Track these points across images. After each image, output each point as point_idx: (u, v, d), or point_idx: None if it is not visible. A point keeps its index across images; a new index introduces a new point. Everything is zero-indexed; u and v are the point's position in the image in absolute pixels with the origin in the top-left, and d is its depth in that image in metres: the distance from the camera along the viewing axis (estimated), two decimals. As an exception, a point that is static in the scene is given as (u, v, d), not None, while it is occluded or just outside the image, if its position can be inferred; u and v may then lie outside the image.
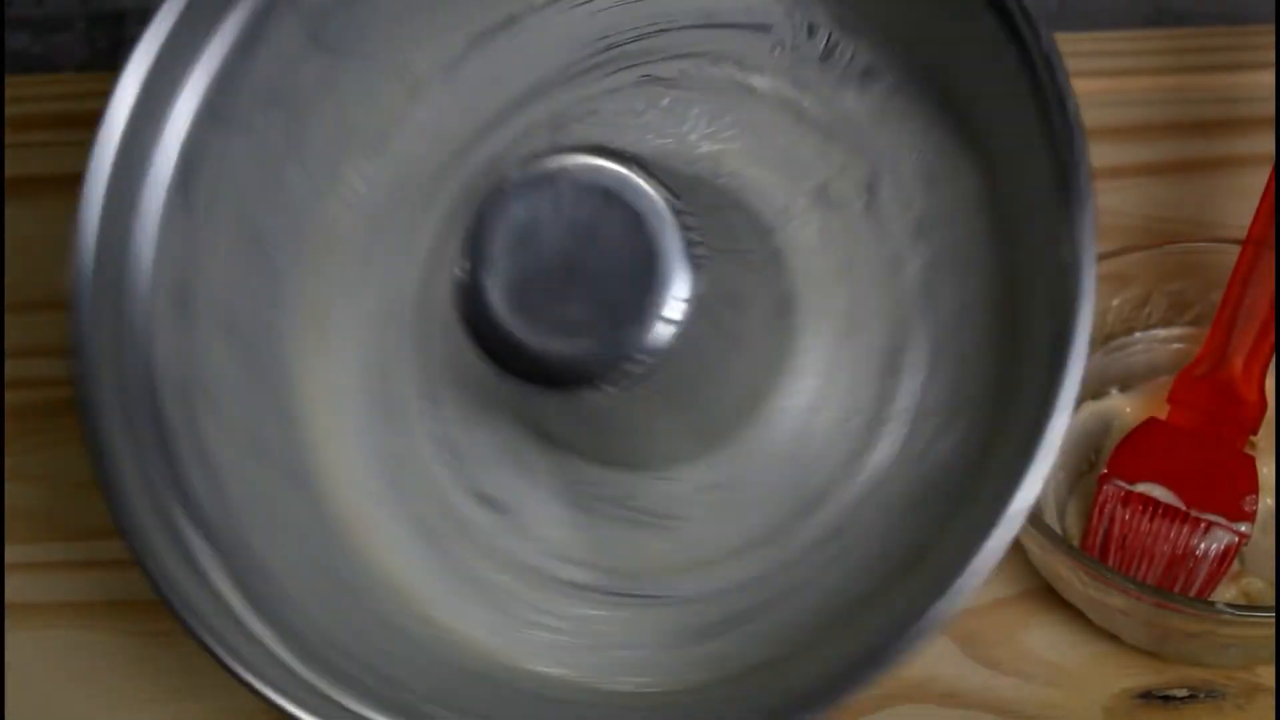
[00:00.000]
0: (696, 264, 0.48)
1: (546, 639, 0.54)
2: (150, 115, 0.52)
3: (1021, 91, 0.50)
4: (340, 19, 0.55)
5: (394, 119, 0.57)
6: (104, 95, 0.66)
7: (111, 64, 0.67)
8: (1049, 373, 0.48)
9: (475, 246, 0.49)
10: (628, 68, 0.57)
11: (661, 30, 0.57)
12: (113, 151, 0.52)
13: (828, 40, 0.56)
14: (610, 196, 0.48)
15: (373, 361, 0.56)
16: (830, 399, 0.55)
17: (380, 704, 0.50)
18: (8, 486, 0.64)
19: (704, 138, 0.56)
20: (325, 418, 0.55)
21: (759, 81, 0.56)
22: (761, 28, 0.56)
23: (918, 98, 0.55)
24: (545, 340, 0.48)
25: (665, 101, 0.56)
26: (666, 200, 0.48)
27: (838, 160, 0.56)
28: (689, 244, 0.48)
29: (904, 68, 0.55)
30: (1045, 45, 0.51)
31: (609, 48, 0.57)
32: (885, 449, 0.54)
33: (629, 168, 0.49)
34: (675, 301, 0.48)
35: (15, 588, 0.62)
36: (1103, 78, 0.72)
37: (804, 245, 0.55)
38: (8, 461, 0.64)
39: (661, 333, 0.48)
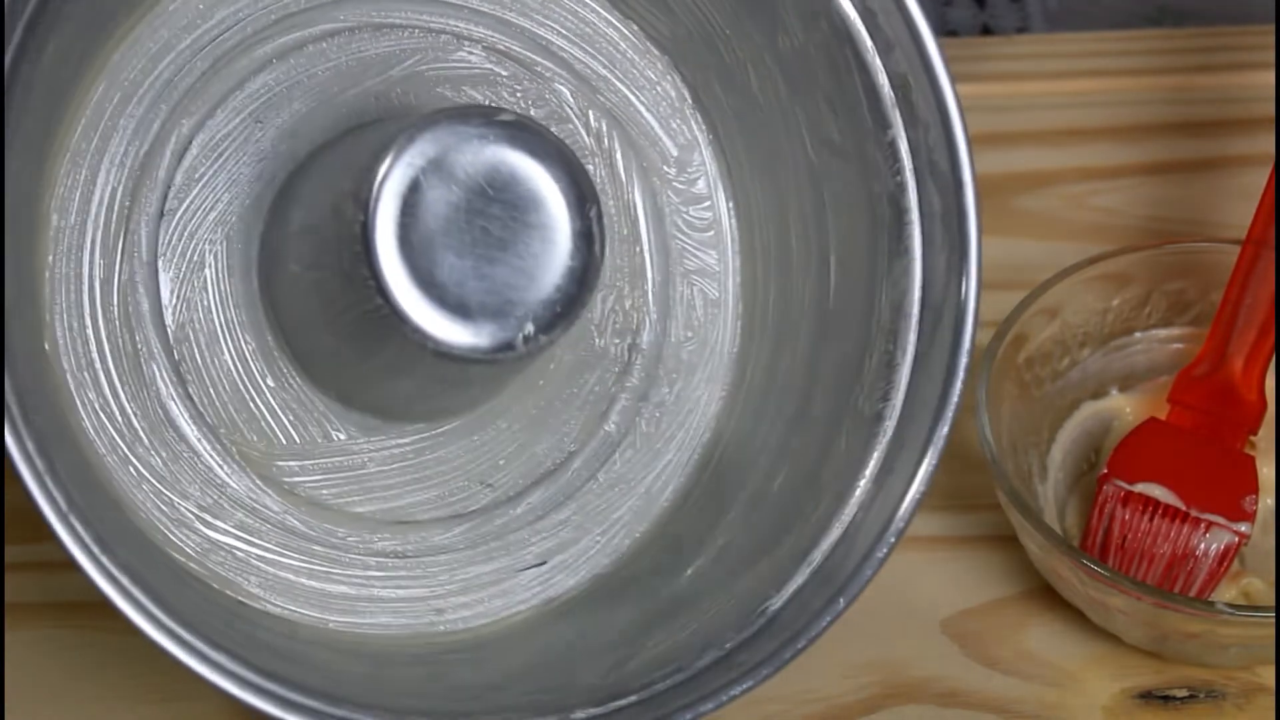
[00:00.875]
0: (572, 321, 0.51)
1: (129, 463, 0.53)
2: None
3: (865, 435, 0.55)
4: None
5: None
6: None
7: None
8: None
9: (423, 136, 0.49)
10: (559, 71, 0.58)
11: (615, 76, 0.58)
12: None
13: (704, 204, 0.58)
14: (558, 215, 0.50)
15: (175, 84, 0.55)
16: (487, 452, 0.57)
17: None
18: (8, 486, 0.64)
19: None
20: (93, 112, 0.54)
21: (628, 179, 0.58)
22: (673, 144, 0.58)
23: (729, 310, 0.59)
24: (412, 278, 0.49)
25: (560, 129, 0.57)
26: (596, 255, 0.50)
27: (633, 293, 0.58)
28: (582, 304, 0.51)
29: (744, 283, 0.59)
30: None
31: (567, 38, 0.58)
32: (491, 527, 0.57)
33: (588, 208, 0.50)
34: (539, 337, 0.50)
35: (15, 588, 0.61)
36: (1103, 78, 0.72)
37: (576, 334, 0.57)
38: (7, 461, 0.64)
39: (502, 345, 0.50)
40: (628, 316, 0.57)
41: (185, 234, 0.54)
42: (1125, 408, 0.63)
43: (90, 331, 0.53)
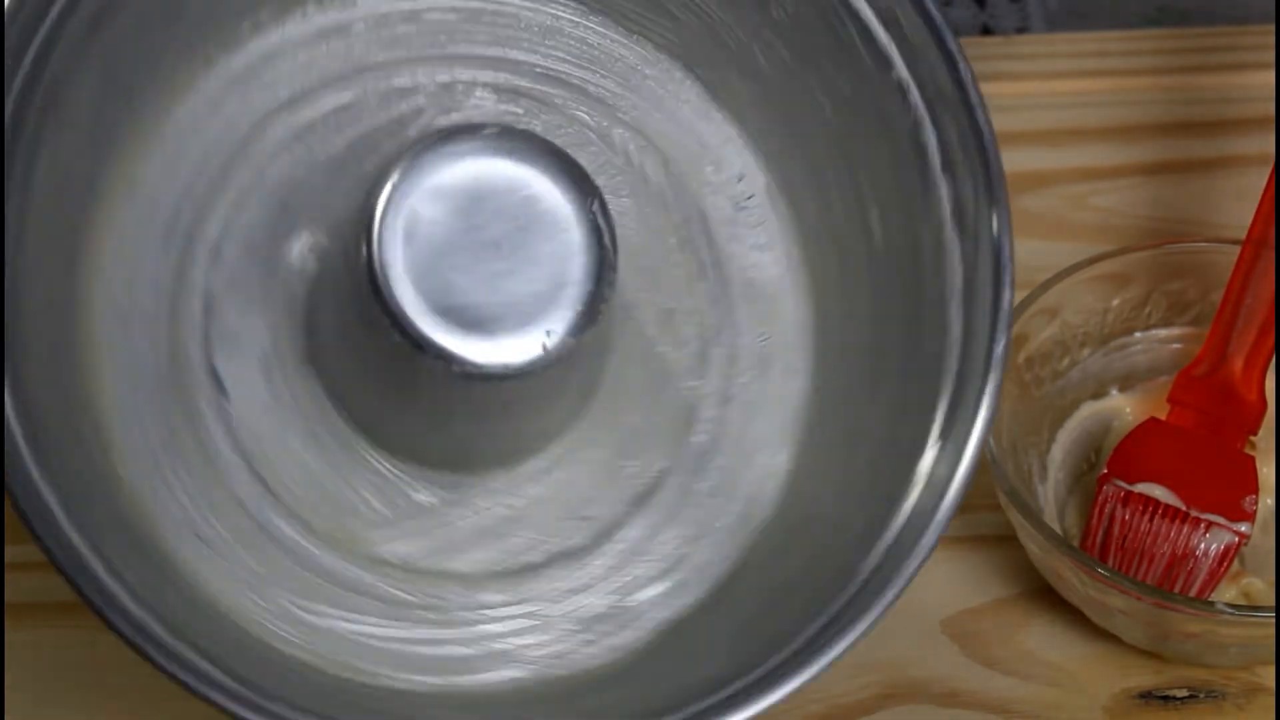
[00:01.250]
0: (594, 317, 0.50)
1: (204, 545, 0.53)
2: None
3: (932, 387, 0.53)
4: None
5: (263, 27, 0.56)
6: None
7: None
8: (810, 629, 0.51)
9: (410, 169, 0.49)
10: (574, 94, 0.57)
11: (626, 88, 0.57)
12: None
13: (748, 197, 0.58)
14: (559, 210, 0.50)
15: (189, 184, 0.55)
16: (573, 492, 0.55)
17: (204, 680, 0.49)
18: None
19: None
20: (119, 207, 0.53)
21: (672, 190, 0.57)
22: (703, 148, 0.58)
23: (791, 297, 0.57)
24: (424, 303, 0.49)
25: (590, 149, 0.56)
26: (605, 246, 0.50)
27: (694, 300, 0.57)
28: (600, 297, 0.50)
29: (796, 267, 0.57)
30: (995, 355, 0.53)
31: (573, 61, 0.57)
32: (595, 564, 0.55)
33: (590, 199, 0.50)
34: (560, 337, 0.49)
35: (15, 588, 0.62)
36: (1103, 77, 0.72)
37: (626, 350, 0.56)
38: (8, 461, 0.64)
39: (529, 355, 0.49)
40: (693, 322, 0.57)
41: (233, 331, 0.54)
42: (1125, 408, 0.63)
43: (161, 456, 0.53)
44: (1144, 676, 0.60)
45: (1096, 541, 0.59)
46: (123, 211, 0.54)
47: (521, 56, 0.57)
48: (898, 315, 0.55)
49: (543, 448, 0.55)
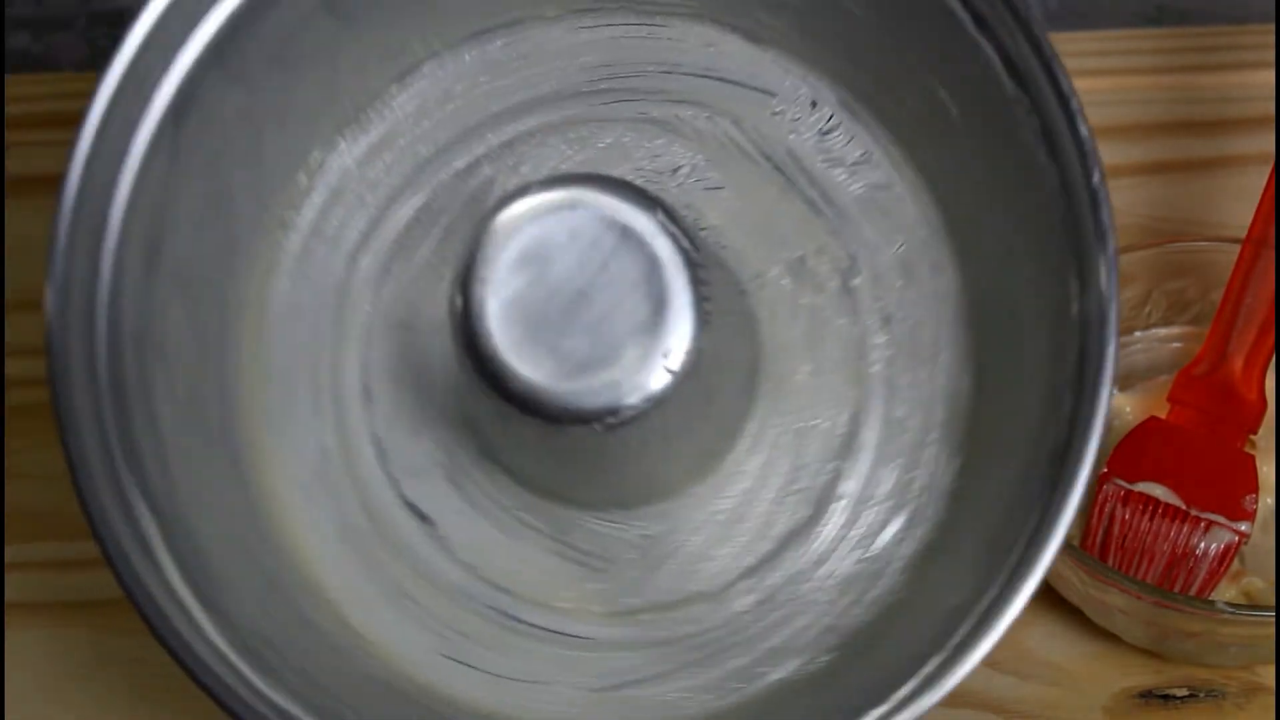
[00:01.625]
0: (704, 318, 0.48)
1: (457, 661, 0.53)
2: (159, 51, 0.52)
3: (1047, 223, 0.52)
4: None
5: (377, 101, 0.56)
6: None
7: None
8: (1043, 496, 0.49)
9: (483, 253, 0.48)
10: (624, 101, 0.57)
11: (665, 72, 0.57)
12: (116, 80, 0.51)
13: (829, 119, 0.56)
14: (629, 235, 0.48)
15: (313, 346, 0.55)
16: (779, 469, 0.55)
17: (306, 705, 0.49)
18: (8, 486, 0.64)
19: (689, 187, 0.56)
20: (260, 395, 0.55)
21: (754, 143, 0.56)
22: (765, 92, 0.56)
23: (908, 195, 0.56)
24: (539, 371, 0.48)
25: (658, 143, 0.56)
26: (685, 249, 0.48)
27: (818, 239, 0.56)
28: (700, 297, 0.48)
29: (899, 163, 0.56)
30: (1095, 183, 0.51)
31: (609, 77, 0.57)
32: (824, 529, 0.54)
33: (654, 211, 0.49)
34: (679, 353, 0.48)
35: (15, 588, 0.62)
36: (1103, 77, 0.72)
37: (773, 315, 0.55)
38: (8, 461, 0.64)
39: (660, 382, 0.48)
40: (825, 261, 0.56)
41: (410, 460, 0.55)
42: (1125, 407, 0.63)
43: (384, 602, 0.54)
44: (1144, 676, 0.60)
45: (1096, 541, 0.59)
46: (264, 401, 0.54)
47: (556, 86, 0.57)
48: (1003, 181, 0.53)
49: (730, 446, 0.55)
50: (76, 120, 0.53)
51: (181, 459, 0.51)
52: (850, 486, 0.54)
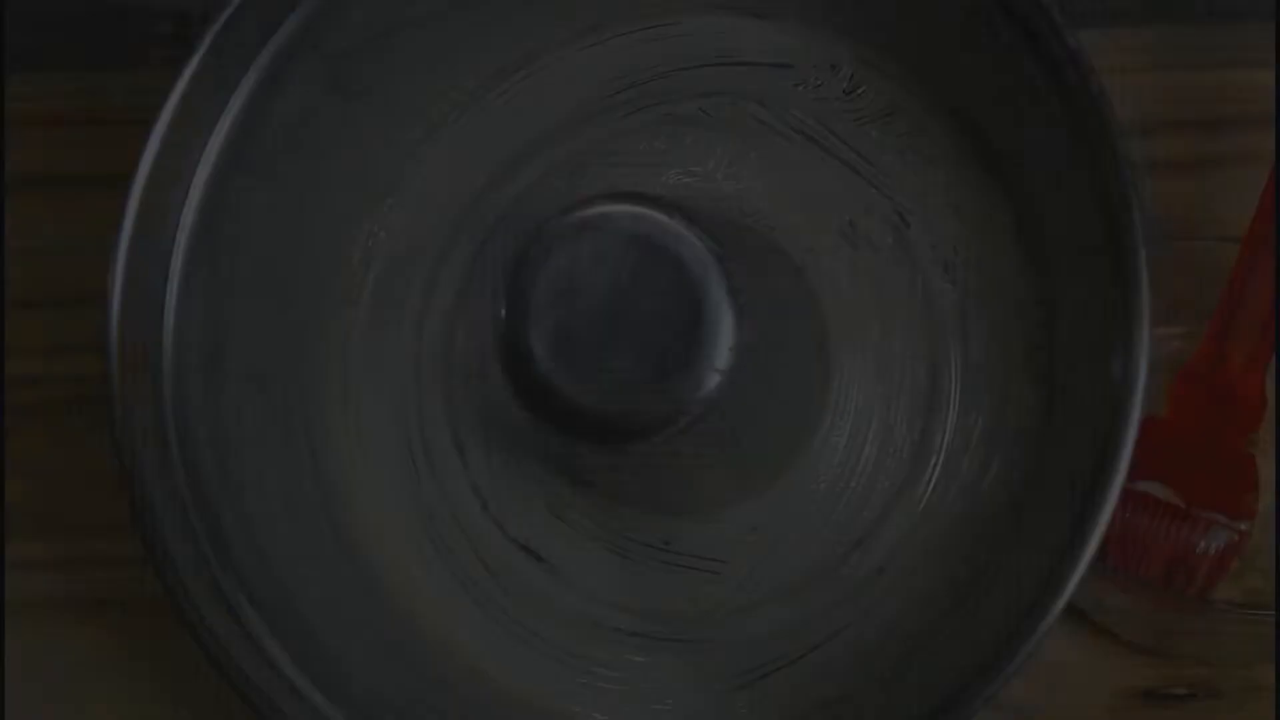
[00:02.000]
0: (740, 311, 0.48)
1: (596, 688, 0.54)
2: (174, 170, 0.53)
3: (1063, 139, 0.51)
4: (359, 61, 0.55)
5: (411, 163, 0.57)
6: (104, 94, 0.66)
7: (112, 63, 0.67)
8: (1104, 420, 0.50)
9: (516, 296, 0.48)
10: (648, 106, 0.57)
11: (681, 69, 0.57)
12: (137, 204, 0.52)
13: (850, 79, 0.56)
14: (653, 245, 0.48)
15: (398, 411, 0.56)
16: (869, 436, 0.55)
17: None
18: (8, 485, 0.64)
19: (728, 177, 0.56)
20: (354, 470, 0.56)
21: (782, 119, 0.56)
22: (783, 66, 0.56)
23: (944, 137, 0.56)
24: (593, 395, 0.48)
25: (688, 140, 0.56)
26: (709, 248, 0.48)
27: (864, 198, 0.56)
28: (733, 291, 0.48)
29: (929, 107, 0.56)
30: (1094, 91, 0.51)
31: (629, 86, 0.57)
32: (925, 485, 0.54)
33: (671, 215, 0.48)
34: (722, 350, 0.48)
35: (15, 587, 0.62)
36: (1102, 76, 0.72)
37: (834, 284, 0.56)
38: (8, 460, 0.64)
39: (709, 382, 0.48)
40: (875, 219, 0.56)
41: (518, 512, 0.56)
42: (1125, 407, 0.63)
43: (519, 650, 0.55)
44: (1144, 676, 0.60)
45: (1096, 540, 0.59)
46: (357, 476, 0.56)
47: (578, 107, 0.57)
48: (1036, 101, 0.53)
49: (815, 424, 0.55)
50: (76, 120, 0.53)
51: (277, 544, 0.53)
52: (943, 439, 0.54)
